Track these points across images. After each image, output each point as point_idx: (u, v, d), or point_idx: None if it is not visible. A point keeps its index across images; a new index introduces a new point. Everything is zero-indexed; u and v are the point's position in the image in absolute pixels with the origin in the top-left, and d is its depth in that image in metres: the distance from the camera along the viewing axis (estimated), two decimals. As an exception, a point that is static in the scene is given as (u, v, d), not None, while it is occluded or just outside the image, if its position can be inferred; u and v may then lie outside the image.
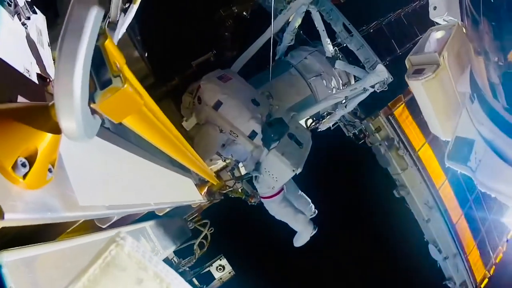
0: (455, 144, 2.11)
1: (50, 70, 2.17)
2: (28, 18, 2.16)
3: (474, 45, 1.82)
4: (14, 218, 0.76)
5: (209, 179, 2.69)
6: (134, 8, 1.72)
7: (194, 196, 2.64)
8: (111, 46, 0.72)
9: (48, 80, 1.92)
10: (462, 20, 1.85)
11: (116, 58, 0.74)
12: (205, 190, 3.00)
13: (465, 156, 2.00)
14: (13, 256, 0.90)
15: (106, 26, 1.10)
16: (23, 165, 0.79)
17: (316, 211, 4.27)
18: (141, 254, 0.56)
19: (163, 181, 2.05)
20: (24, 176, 0.80)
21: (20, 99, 1.04)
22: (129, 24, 4.31)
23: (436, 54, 1.87)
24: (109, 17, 1.08)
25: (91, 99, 0.69)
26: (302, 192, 4.23)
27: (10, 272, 0.85)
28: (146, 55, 4.46)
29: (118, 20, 1.15)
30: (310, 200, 4.23)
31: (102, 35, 0.69)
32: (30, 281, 0.92)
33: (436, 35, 2.04)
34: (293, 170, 3.47)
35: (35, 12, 2.37)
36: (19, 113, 0.82)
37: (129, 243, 0.56)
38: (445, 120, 2.23)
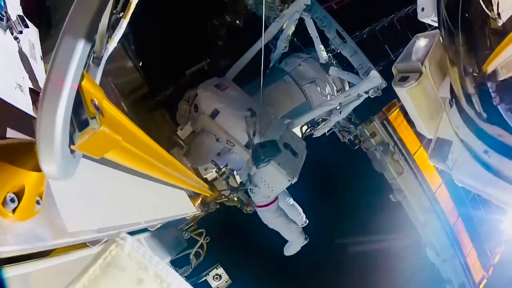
0: (436, 144, 2.29)
1: (43, 84, 2.15)
2: (21, 32, 2.15)
3: (450, 55, 1.88)
4: (5, 251, 0.79)
5: (202, 192, 2.68)
6: (124, 23, 1.71)
7: (187, 209, 2.63)
8: (88, 86, 0.72)
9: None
10: (440, 31, 1.93)
11: (95, 95, 0.74)
12: (199, 201, 2.99)
13: (444, 155, 2.18)
14: (12, 272, 0.93)
15: (90, 62, 1.11)
16: (12, 200, 0.83)
17: (307, 221, 4.28)
18: (141, 254, 0.56)
19: (154, 197, 2.04)
20: (14, 210, 0.84)
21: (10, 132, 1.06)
22: (123, 35, 4.32)
23: (419, 63, 2.00)
24: (94, 52, 1.08)
25: (71, 141, 0.69)
26: (294, 202, 4.24)
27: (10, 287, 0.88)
28: (140, 64, 4.46)
29: (103, 55, 1.15)
30: (301, 210, 4.25)
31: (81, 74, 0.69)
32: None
33: (421, 42, 2.15)
34: (289, 180, 3.47)
35: (27, 26, 2.37)
36: (5, 151, 0.85)
37: (129, 243, 0.56)
38: (429, 121, 2.41)
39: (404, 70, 2.13)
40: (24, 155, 0.84)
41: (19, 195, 0.84)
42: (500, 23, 1.33)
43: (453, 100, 1.99)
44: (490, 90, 1.52)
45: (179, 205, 2.51)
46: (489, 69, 1.41)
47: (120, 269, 0.54)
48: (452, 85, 1.98)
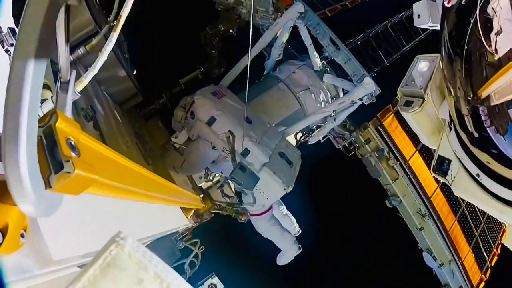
0: (437, 160, 2.37)
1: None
2: (12, 45, 2.14)
3: (448, 77, 1.94)
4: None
5: (194, 206, 2.65)
6: (114, 36, 1.69)
7: (179, 222, 2.59)
8: (63, 124, 0.70)
9: None
10: (440, 54, 2.00)
11: (70, 133, 0.73)
12: (192, 213, 2.95)
13: (444, 171, 2.28)
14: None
15: (58, 88, 1.09)
16: (-4, 236, 0.82)
17: (300, 231, 4.27)
18: (141, 254, 0.55)
19: (143, 214, 2.01)
20: (-2, 246, 0.82)
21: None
22: (117, 43, 4.29)
23: (422, 91, 2.19)
24: (60, 78, 1.06)
25: (48, 183, 0.68)
26: (287, 211, 4.23)
27: None
28: (133, 73, 4.44)
29: (69, 79, 1.12)
30: (294, 220, 4.24)
31: (53, 113, 0.68)
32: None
33: (422, 66, 2.31)
34: (285, 189, 3.45)
35: None
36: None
37: (129, 243, 0.55)
38: (431, 137, 2.56)
39: (408, 94, 2.30)
40: (5, 191, 0.83)
41: (3, 231, 0.83)
42: (496, 57, 1.48)
43: (452, 123, 2.09)
44: (482, 114, 1.59)
45: (170, 219, 2.48)
46: (484, 94, 1.53)
47: (120, 269, 0.54)
48: (449, 110, 2.06)
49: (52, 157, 0.68)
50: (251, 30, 2.11)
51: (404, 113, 2.33)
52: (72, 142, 0.72)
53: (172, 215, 2.60)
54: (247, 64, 3.23)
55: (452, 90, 1.86)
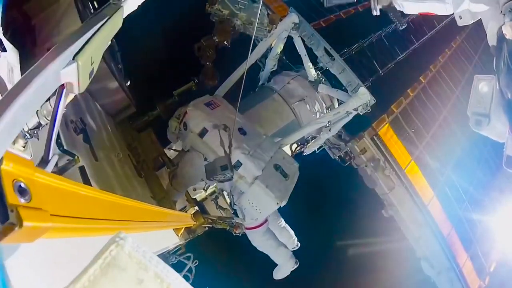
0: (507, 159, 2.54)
1: None
2: (-1, 50, 2.08)
3: (506, 95, 2.18)
4: None
5: (184, 225, 2.58)
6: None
7: (168, 241, 2.51)
8: (10, 166, 0.65)
9: None
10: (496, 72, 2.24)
11: (19, 174, 0.67)
12: (183, 230, 2.87)
13: None
14: None
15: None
16: None
17: (299, 244, 4.18)
18: (142, 254, 0.55)
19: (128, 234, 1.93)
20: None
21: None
22: (111, 53, 4.24)
23: (487, 111, 2.42)
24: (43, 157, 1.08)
25: None
26: (286, 224, 4.14)
27: None
28: (127, 84, 4.40)
29: (50, 159, 1.13)
30: (293, 233, 4.15)
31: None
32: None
33: (483, 87, 2.49)
34: (277, 203, 3.37)
35: (5, 50, 2.28)
36: None
37: (129, 243, 0.55)
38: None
39: (476, 114, 2.55)
40: None
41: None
42: None
43: None
44: None
45: (159, 238, 2.40)
46: None
47: (120, 269, 0.53)
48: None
49: (1, 204, 0.62)
50: (253, 38, 2.08)
51: (475, 130, 2.58)
52: (22, 184, 0.66)
53: (161, 233, 2.52)
54: (243, 74, 3.21)
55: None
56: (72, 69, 1.11)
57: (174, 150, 4.65)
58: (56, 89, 1.15)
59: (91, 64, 1.25)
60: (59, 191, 0.87)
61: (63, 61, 1.07)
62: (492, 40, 2.26)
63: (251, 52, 3.61)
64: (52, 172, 2.36)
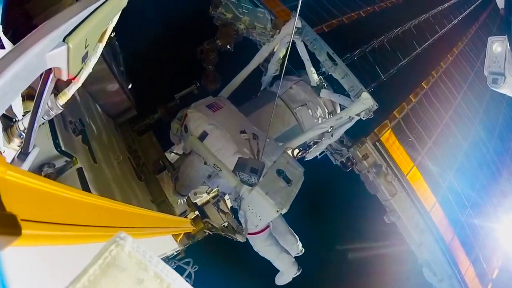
0: None
1: (17, 109, 2.04)
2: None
3: None
4: None
5: (183, 231, 2.52)
6: (100, 47, 1.59)
7: (166, 247, 2.45)
8: None
9: (14, 119, 1.80)
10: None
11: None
12: (182, 236, 2.82)
13: None
14: None
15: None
16: None
17: (303, 250, 4.09)
18: (142, 254, 0.55)
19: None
20: None
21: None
22: (113, 56, 4.21)
23: (501, 70, 2.56)
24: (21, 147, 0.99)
25: None
26: (290, 230, 4.04)
27: None
28: (129, 87, 4.38)
29: (29, 152, 1.04)
30: (297, 238, 4.05)
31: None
32: None
33: (497, 47, 2.60)
34: (277, 211, 3.27)
35: (3, 47, 2.25)
36: None
37: (129, 243, 0.55)
38: None
39: (493, 73, 2.66)
40: None
41: None
42: None
43: None
44: None
45: (156, 244, 2.34)
46: None
47: (120, 269, 0.53)
48: None
49: None
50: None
51: (493, 89, 2.69)
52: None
53: (159, 239, 2.46)
54: (252, 75, 3.12)
55: None
56: (60, 52, 0.97)
57: (175, 153, 4.61)
58: (42, 74, 1.00)
59: (85, 47, 1.08)
60: (36, 193, 0.80)
61: (51, 42, 0.91)
62: (500, 4, 2.36)
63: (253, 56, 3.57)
64: (49, 173, 2.32)
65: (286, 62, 2.86)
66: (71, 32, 0.98)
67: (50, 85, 1.04)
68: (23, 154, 1.03)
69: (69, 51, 0.99)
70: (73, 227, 0.98)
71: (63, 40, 0.97)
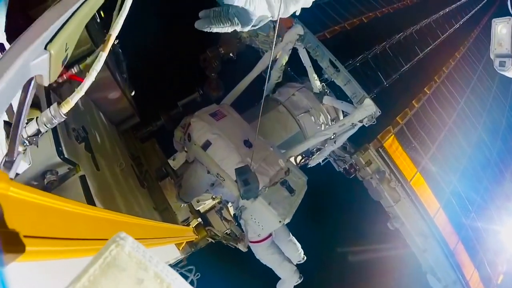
0: None
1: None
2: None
3: None
4: None
5: (186, 240, 2.51)
6: (103, 56, 1.60)
7: (168, 256, 2.43)
8: None
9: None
10: None
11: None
12: (184, 244, 2.80)
13: None
14: None
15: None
16: None
17: (305, 258, 4.07)
18: (142, 254, 0.55)
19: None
20: None
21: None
22: (116, 63, 4.24)
23: (509, 52, 2.55)
24: (5, 155, 0.99)
25: None
26: (293, 237, 4.03)
27: None
28: (132, 94, 4.40)
29: (15, 159, 1.04)
30: (299, 246, 4.04)
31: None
32: None
33: (501, 29, 2.57)
34: (280, 221, 3.27)
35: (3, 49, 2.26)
36: None
37: (129, 243, 0.55)
38: None
39: (499, 56, 2.65)
40: None
41: None
42: None
43: None
44: None
45: (159, 254, 2.32)
46: None
47: (120, 269, 0.53)
48: None
49: None
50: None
51: (501, 72, 2.69)
52: None
53: (162, 248, 2.45)
54: (255, 82, 3.12)
55: None
56: (43, 60, 0.98)
57: (174, 161, 4.60)
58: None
59: (65, 50, 1.10)
60: (38, 208, 0.80)
61: (34, 51, 0.93)
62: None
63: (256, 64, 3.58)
64: (52, 180, 2.32)
65: (269, 70, 2.85)
66: (52, 39, 0.99)
67: (31, 92, 1.05)
68: (8, 162, 1.03)
69: (51, 58, 1.00)
70: (75, 241, 0.98)
71: (45, 48, 0.98)
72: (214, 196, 4.85)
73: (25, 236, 0.69)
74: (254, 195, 2.97)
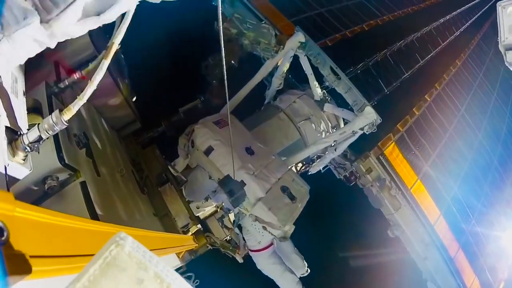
0: None
1: (22, 123, 2.04)
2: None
3: None
4: None
5: (184, 249, 2.50)
6: (105, 64, 1.62)
7: (169, 264, 2.41)
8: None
9: (19, 133, 1.80)
10: None
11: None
12: (184, 252, 2.80)
13: None
14: None
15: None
16: None
17: (309, 271, 4.03)
18: (142, 254, 0.55)
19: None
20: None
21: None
22: (118, 68, 4.27)
23: None
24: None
25: None
26: (296, 250, 4.00)
27: None
28: (133, 100, 4.41)
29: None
30: (303, 257, 4.01)
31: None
32: None
33: (511, 12, 2.34)
34: (280, 227, 3.27)
35: None
36: None
37: (129, 243, 0.55)
38: None
39: (508, 47, 2.47)
40: None
41: None
42: None
43: None
44: None
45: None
46: None
47: (120, 269, 0.53)
48: None
49: None
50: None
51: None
52: (1, 224, 0.61)
53: (161, 258, 2.44)
54: (256, 89, 3.14)
55: None
56: None
57: (173, 167, 4.60)
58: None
59: None
60: (43, 227, 0.82)
61: None
62: None
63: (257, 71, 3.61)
64: (53, 186, 2.31)
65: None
66: None
67: None
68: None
69: None
70: (80, 258, 0.99)
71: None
72: (216, 204, 4.85)
73: (31, 257, 0.70)
74: (242, 200, 3.03)
